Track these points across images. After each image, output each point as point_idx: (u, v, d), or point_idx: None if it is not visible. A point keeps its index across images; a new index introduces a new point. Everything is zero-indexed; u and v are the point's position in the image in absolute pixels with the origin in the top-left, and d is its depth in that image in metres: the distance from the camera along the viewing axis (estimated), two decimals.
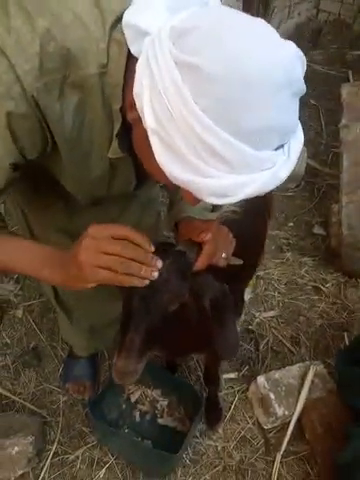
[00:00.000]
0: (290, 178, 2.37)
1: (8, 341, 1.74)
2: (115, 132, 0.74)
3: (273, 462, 1.50)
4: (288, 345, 1.81)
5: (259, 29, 0.59)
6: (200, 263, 0.83)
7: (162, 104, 0.57)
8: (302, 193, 2.58)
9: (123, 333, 0.80)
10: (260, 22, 0.60)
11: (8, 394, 1.58)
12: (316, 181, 2.64)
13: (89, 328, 1.44)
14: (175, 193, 1.02)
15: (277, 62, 0.55)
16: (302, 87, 0.59)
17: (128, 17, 0.65)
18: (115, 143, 0.76)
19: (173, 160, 0.59)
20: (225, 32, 0.56)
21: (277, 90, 0.55)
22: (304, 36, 4.32)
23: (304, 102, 3.23)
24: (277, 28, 3.37)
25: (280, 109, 0.56)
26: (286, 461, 1.51)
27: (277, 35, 0.60)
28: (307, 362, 1.67)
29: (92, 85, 0.70)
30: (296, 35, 4.28)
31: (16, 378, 1.64)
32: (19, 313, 1.80)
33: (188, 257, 0.81)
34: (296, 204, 2.51)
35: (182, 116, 0.55)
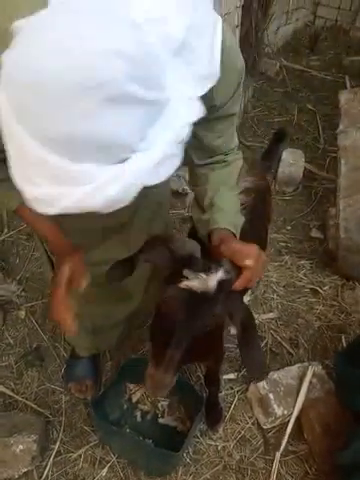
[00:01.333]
0: (288, 182, 2.40)
1: (11, 341, 1.75)
2: None
3: (272, 461, 1.53)
4: (287, 347, 1.84)
5: (74, 25, 0.48)
6: (238, 286, 0.84)
7: None
8: (300, 197, 2.62)
9: (161, 346, 0.82)
10: (86, 19, 0.48)
11: (11, 394, 1.60)
12: (313, 185, 2.68)
13: (92, 329, 1.46)
14: (201, 197, 1.04)
15: (77, 62, 0.46)
16: (125, 91, 0.48)
17: None
18: None
19: (10, 161, 0.56)
20: (32, 28, 0.49)
21: (73, 95, 0.47)
22: (302, 42, 4.37)
23: (301, 107, 3.29)
24: (275, 34, 3.40)
25: (82, 117, 0.48)
26: (285, 460, 1.53)
27: (97, 30, 0.48)
28: (306, 363, 1.70)
29: None
30: (294, 41, 4.34)
31: (19, 378, 1.65)
32: (22, 314, 1.82)
33: (229, 278, 0.83)
34: (294, 208, 2.55)
35: (4, 119, 0.51)
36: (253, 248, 0.87)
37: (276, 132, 1.97)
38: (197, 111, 0.62)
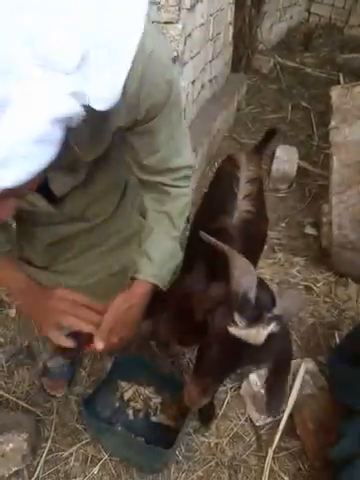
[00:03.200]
0: (282, 179, 2.42)
1: (1, 340, 1.74)
2: None
3: (265, 458, 1.52)
4: None
5: None
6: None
7: None
8: (294, 194, 2.62)
9: (204, 370, 0.88)
10: None
11: (2, 392, 1.59)
12: (307, 182, 2.68)
13: None
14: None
15: None
16: None
17: None
18: None
19: None
20: None
21: None
22: (296, 39, 4.38)
23: (295, 104, 3.28)
24: (269, 31, 3.39)
25: None
26: (278, 457, 1.53)
27: None
28: (298, 359, 1.70)
29: None
30: (288, 38, 4.34)
31: (10, 377, 1.64)
32: (12, 312, 1.81)
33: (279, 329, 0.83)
34: (288, 205, 2.55)
35: None
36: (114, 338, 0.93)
37: (267, 130, 1.97)
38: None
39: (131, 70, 0.64)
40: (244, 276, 0.83)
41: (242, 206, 1.27)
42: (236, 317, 0.79)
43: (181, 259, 1.06)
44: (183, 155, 0.93)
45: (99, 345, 0.90)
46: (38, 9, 0.51)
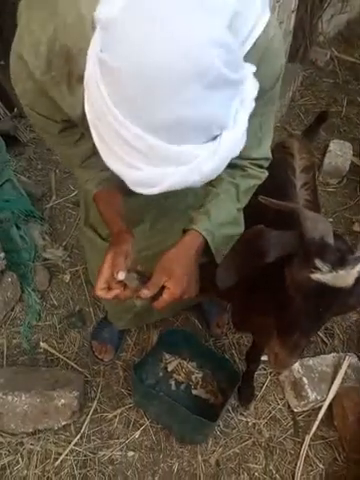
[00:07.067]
0: (333, 173, 2.36)
1: (55, 303, 1.81)
2: None
3: (301, 443, 1.55)
4: (321, 336, 1.84)
5: (173, 14, 0.49)
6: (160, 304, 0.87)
7: (90, 97, 0.57)
8: (344, 190, 2.57)
9: (289, 328, 0.83)
10: (185, 10, 0.49)
11: (53, 351, 1.66)
12: (358, 179, 2.63)
13: (134, 311, 1.45)
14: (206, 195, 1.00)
15: (180, 53, 0.48)
16: (222, 75, 0.51)
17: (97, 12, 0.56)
18: None
19: (105, 151, 0.59)
20: (131, 21, 0.50)
21: (182, 84, 0.49)
22: (355, 32, 4.25)
23: (351, 100, 3.17)
24: (328, 22, 3.26)
25: (190, 104, 0.51)
26: (314, 444, 1.55)
27: (196, 17, 0.49)
28: (341, 353, 1.71)
29: None
30: (347, 31, 4.22)
31: (61, 337, 1.71)
32: (66, 278, 1.87)
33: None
34: (337, 200, 2.51)
35: (102, 111, 0.55)
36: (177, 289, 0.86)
37: (319, 114, 1.93)
38: (257, 86, 0.63)
39: (252, 51, 0.67)
40: (318, 223, 0.79)
41: (302, 195, 1.26)
42: (318, 263, 0.75)
43: (240, 233, 1.02)
44: (264, 147, 0.96)
45: (144, 293, 0.85)
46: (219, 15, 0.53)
